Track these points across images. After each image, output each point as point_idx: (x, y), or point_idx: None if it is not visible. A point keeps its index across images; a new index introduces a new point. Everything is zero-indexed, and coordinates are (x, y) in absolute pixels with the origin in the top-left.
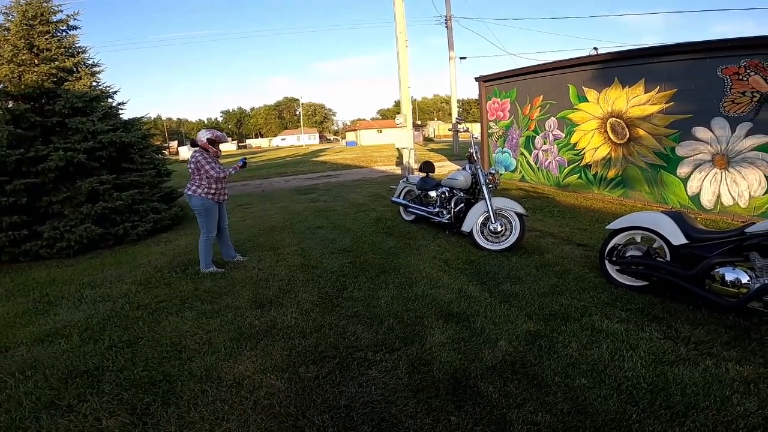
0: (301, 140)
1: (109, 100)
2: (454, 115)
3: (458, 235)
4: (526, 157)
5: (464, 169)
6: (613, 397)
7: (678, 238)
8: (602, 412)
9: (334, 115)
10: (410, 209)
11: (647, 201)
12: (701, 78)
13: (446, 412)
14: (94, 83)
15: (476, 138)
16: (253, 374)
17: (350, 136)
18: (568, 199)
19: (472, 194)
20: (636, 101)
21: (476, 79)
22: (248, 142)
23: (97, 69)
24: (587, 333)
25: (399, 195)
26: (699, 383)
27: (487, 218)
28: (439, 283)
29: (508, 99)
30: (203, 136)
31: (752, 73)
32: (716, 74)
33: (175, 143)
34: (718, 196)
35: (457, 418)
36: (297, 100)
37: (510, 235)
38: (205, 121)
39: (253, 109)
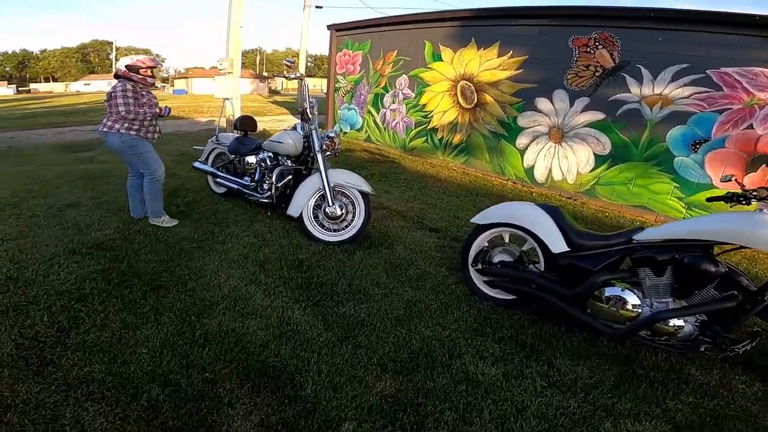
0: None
1: None
2: (302, 66)
3: (285, 217)
4: (373, 115)
5: (294, 128)
6: None
7: (558, 245)
8: None
9: (163, 61)
10: (219, 179)
11: (486, 171)
12: (552, 46)
13: None
14: None
15: (306, 83)
16: None
17: (179, 84)
18: (414, 164)
19: (304, 163)
20: (488, 65)
21: (328, 27)
22: (34, 86)
23: None
24: (462, 391)
25: (206, 158)
26: None
27: (323, 197)
28: (249, 308)
29: (360, 52)
30: (122, 63)
31: (600, 47)
32: (567, 44)
33: None
34: (550, 171)
35: None
36: (111, 43)
37: (352, 220)
38: None
39: (44, 51)
